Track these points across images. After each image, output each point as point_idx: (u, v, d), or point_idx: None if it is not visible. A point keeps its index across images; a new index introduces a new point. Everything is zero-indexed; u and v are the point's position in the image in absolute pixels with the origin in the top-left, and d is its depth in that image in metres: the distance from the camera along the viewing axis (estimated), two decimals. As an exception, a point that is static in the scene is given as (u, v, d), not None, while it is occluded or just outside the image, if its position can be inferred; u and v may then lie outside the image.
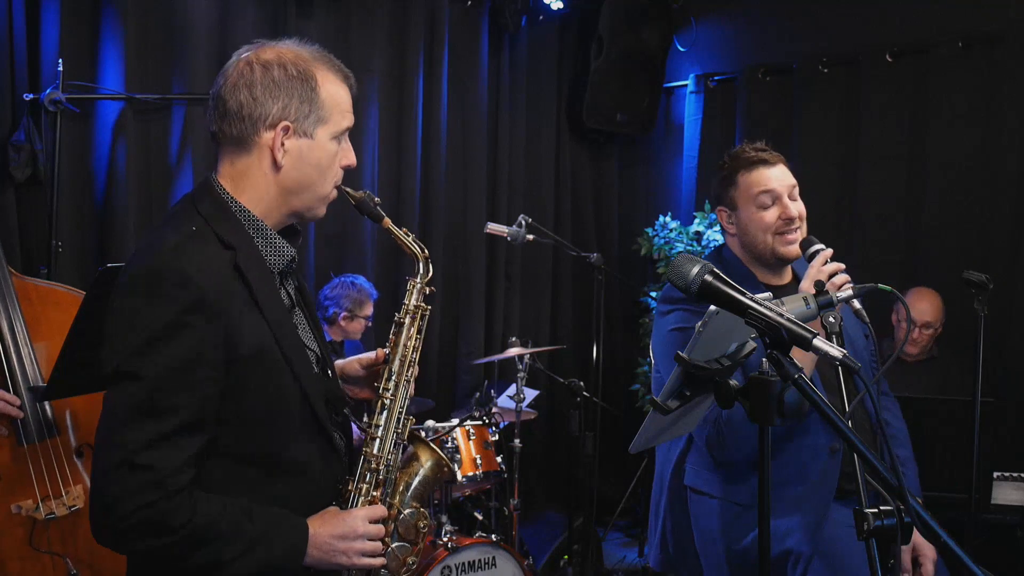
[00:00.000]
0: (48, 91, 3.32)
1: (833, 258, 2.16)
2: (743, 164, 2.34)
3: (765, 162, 2.32)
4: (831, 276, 2.07)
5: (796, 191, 2.34)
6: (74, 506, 2.32)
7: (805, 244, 2.24)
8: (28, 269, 3.24)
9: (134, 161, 3.70)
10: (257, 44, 1.58)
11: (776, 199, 2.29)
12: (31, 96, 3.33)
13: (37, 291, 2.48)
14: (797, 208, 2.30)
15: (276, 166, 1.54)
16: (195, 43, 3.87)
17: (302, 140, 1.55)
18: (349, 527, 1.55)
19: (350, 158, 1.64)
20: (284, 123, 1.52)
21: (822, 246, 2.18)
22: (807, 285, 2.09)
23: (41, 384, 2.33)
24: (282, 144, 1.53)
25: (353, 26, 4.53)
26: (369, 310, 4.16)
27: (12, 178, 3.29)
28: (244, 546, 1.44)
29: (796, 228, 2.29)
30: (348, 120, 1.61)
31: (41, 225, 3.39)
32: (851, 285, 2.03)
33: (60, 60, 3.36)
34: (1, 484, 2.27)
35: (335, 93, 1.58)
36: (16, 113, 3.35)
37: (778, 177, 2.31)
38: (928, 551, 2.22)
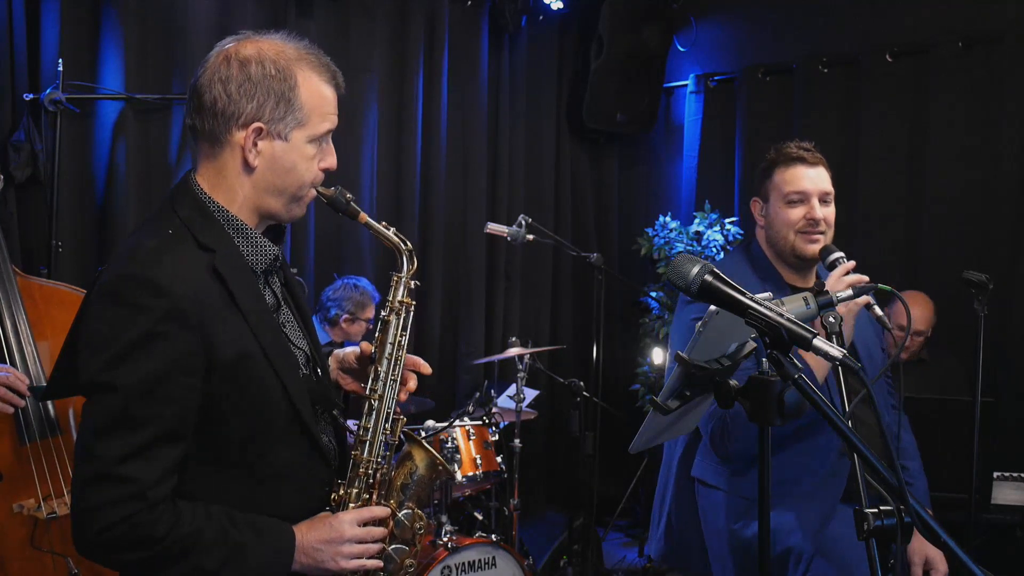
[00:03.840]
0: (48, 91, 3.32)
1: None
2: (782, 159, 2.36)
3: (804, 160, 2.34)
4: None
5: (830, 197, 2.34)
6: (75, 506, 2.32)
7: (825, 252, 2.25)
8: (28, 269, 3.22)
9: (134, 161, 3.70)
10: (241, 36, 1.52)
11: (805, 199, 2.31)
12: (31, 96, 3.33)
13: (41, 290, 2.47)
14: (824, 213, 2.31)
15: (248, 167, 1.49)
16: (195, 43, 3.86)
17: (276, 142, 1.49)
18: (336, 531, 1.53)
19: (330, 161, 1.57)
20: (257, 124, 1.47)
21: (842, 255, 2.18)
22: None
23: (44, 384, 2.33)
24: (254, 145, 1.48)
25: (353, 26, 4.53)
26: (371, 313, 4.16)
27: (12, 178, 3.29)
28: (229, 554, 1.42)
29: (820, 232, 2.30)
30: (330, 122, 1.55)
31: (41, 225, 3.39)
32: (859, 283, 2.04)
33: (60, 60, 3.36)
34: (3, 483, 2.27)
35: (317, 94, 1.52)
36: (16, 113, 3.35)
37: (812, 178, 2.32)
38: (941, 565, 2.22)
